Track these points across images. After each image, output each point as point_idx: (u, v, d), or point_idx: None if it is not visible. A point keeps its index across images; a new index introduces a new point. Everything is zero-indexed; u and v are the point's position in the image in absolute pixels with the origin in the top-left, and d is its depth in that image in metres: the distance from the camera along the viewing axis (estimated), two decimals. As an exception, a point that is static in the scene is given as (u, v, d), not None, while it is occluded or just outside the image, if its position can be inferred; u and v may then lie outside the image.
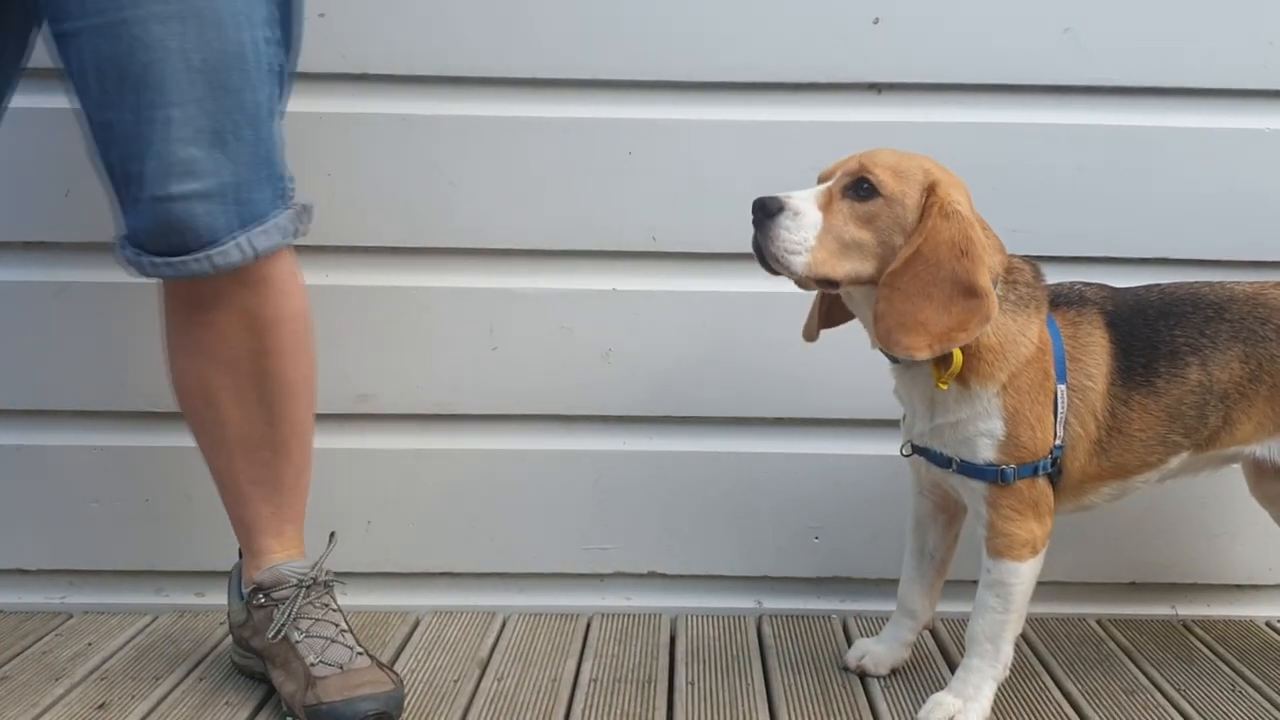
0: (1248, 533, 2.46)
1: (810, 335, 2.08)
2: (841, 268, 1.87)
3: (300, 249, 2.45)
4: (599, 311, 2.47)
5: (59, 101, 2.41)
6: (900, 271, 1.83)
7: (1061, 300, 2.00)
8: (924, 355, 1.82)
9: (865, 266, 1.88)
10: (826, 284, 1.91)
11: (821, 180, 1.93)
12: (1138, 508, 2.47)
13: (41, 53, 2.38)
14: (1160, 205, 2.44)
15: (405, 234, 2.45)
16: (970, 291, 1.81)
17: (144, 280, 2.42)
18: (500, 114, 2.42)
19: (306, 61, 2.39)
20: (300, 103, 2.40)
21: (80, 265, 2.45)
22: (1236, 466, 2.23)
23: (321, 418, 2.49)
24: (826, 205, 1.87)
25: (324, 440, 2.49)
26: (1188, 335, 1.97)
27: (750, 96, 2.42)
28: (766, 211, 1.85)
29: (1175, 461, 2.03)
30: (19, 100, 2.41)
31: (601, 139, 2.43)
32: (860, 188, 1.87)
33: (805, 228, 1.84)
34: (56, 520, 2.51)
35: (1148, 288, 2.06)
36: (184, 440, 2.48)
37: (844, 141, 2.38)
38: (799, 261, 1.84)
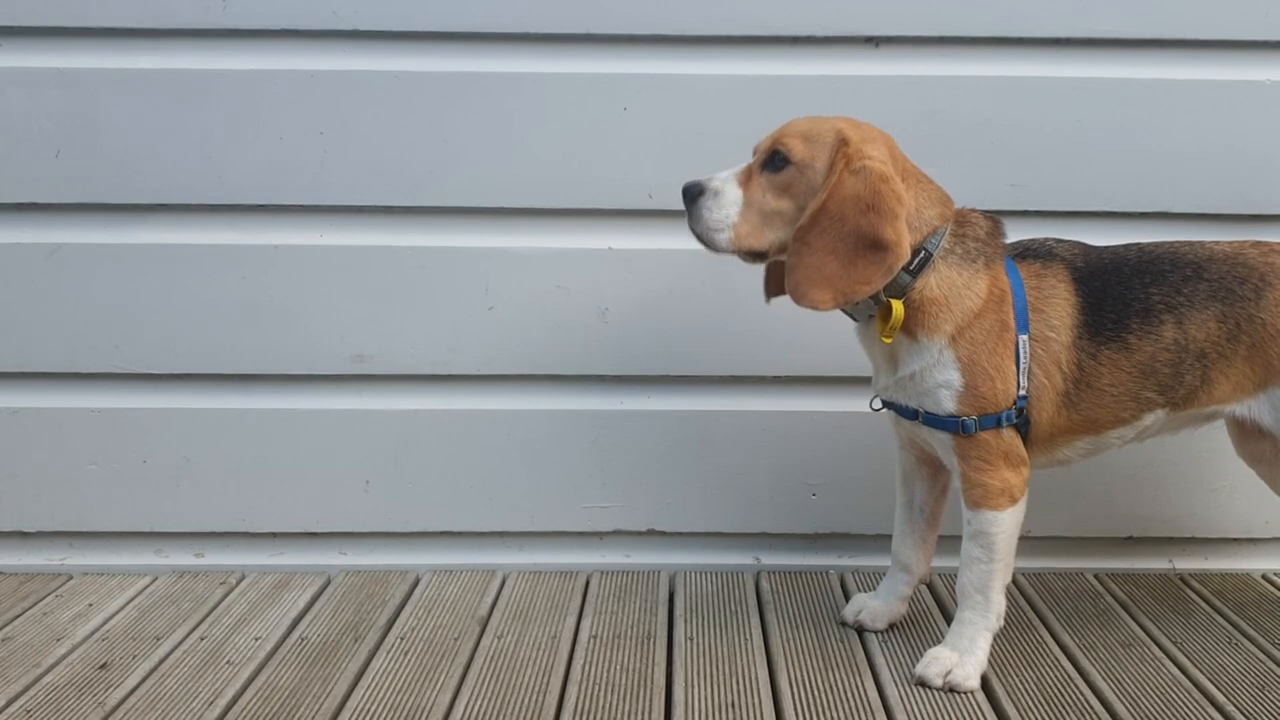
0: (1245, 487, 2.46)
1: (768, 299, 2.12)
2: (764, 238, 1.94)
3: (293, 210, 2.45)
4: (595, 270, 2.46)
5: (48, 61, 2.40)
6: (808, 227, 1.87)
7: (1029, 254, 2.02)
8: (828, 308, 1.87)
9: (787, 235, 1.92)
10: (753, 256, 1.97)
11: (756, 154, 1.97)
12: (1135, 462, 2.48)
13: (30, 13, 2.38)
14: (1160, 159, 2.42)
15: (399, 193, 2.43)
16: (876, 244, 1.84)
17: (136, 241, 2.43)
18: (493, 70, 2.40)
19: (298, 19, 2.38)
20: (291, 60, 2.40)
21: (72, 226, 2.43)
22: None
23: (318, 378, 2.50)
24: (747, 181, 1.95)
25: (321, 401, 2.50)
26: (1164, 293, 1.97)
27: (745, 50, 2.40)
28: (690, 195, 1.95)
29: (1150, 419, 2.03)
30: (8, 59, 2.40)
31: (596, 95, 2.41)
32: (775, 159, 1.93)
33: (725, 205, 1.93)
34: (55, 482, 2.51)
35: (1127, 246, 2.05)
36: (180, 402, 2.50)
37: (840, 95, 2.38)
38: (723, 238, 1.94)
